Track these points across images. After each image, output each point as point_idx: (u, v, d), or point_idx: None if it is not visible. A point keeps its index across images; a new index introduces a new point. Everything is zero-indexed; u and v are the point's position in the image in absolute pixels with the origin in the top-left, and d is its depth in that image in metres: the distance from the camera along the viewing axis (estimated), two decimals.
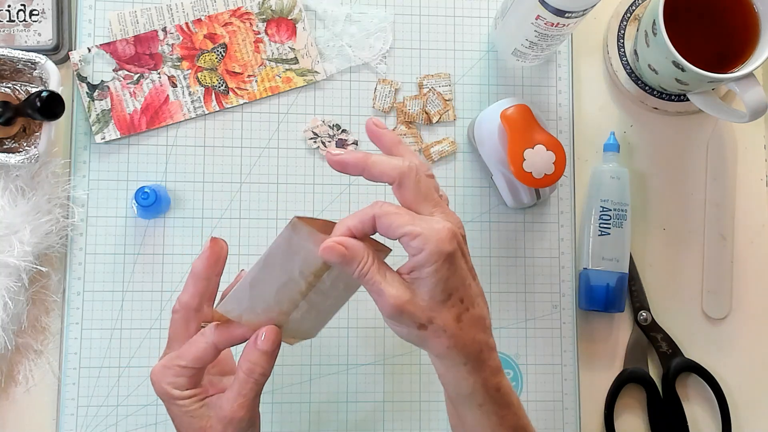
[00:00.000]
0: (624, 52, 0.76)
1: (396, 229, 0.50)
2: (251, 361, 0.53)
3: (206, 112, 0.71)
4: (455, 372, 0.52)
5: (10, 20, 0.69)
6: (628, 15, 0.76)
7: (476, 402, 0.52)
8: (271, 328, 0.53)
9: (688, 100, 0.74)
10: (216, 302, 0.57)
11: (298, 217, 0.52)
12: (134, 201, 0.67)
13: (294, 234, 0.52)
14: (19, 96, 0.66)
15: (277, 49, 0.72)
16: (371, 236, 0.53)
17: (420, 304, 0.50)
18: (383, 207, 0.50)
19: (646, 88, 0.75)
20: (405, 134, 0.73)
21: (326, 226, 0.54)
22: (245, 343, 0.53)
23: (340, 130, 0.72)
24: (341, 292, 0.57)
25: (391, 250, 0.57)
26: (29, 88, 0.66)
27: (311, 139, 0.72)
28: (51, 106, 0.62)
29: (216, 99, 0.71)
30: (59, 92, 0.63)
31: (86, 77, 0.70)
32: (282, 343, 0.54)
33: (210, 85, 0.71)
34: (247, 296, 0.53)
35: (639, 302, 0.73)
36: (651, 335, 0.73)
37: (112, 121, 0.70)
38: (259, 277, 0.53)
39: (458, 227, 0.51)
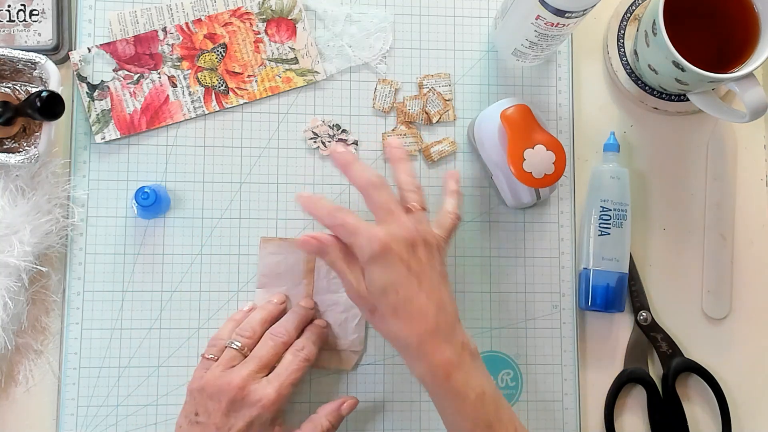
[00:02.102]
0: (624, 52, 0.76)
1: (339, 227, 0.61)
2: (331, 422, 0.65)
3: (206, 112, 0.71)
4: (403, 358, 0.60)
5: (10, 20, 0.69)
6: (628, 15, 0.76)
7: (428, 390, 0.60)
8: (353, 400, 0.66)
9: (688, 100, 0.74)
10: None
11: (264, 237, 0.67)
12: (134, 201, 0.67)
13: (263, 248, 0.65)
14: (19, 96, 0.66)
15: (277, 49, 0.72)
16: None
17: (365, 293, 0.60)
18: (341, 211, 0.62)
19: (646, 88, 0.75)
20: (405, 134, 0.73)
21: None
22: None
23: (340, 130, 0.72)
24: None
25: None
26: (29, 88, 0.66)
27: (311, 139, 0.72)
28: (51, 106, 0.62)
29: (216, 99, 0.71)
30: (59, 92, 0.63)
31: (86, 77, 0.70)
32: None
33: (210, 85, 0.71)
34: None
35: (639, 302, 0.73)
36: (651, 335, 0.73)
37: (112, 121, 0.70)
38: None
39: (407, 235, 0.60)
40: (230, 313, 0.69)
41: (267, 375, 0.64)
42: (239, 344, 0.65)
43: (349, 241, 0.61)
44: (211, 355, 0.65)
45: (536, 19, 0.65)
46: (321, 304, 0.69)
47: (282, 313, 0.69)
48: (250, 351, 0.65)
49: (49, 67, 0.65)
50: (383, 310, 0.60)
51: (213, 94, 0.71)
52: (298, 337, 0.67)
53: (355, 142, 0.72)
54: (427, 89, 0.73)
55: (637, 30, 0.73)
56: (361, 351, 0.70)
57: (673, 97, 0.75)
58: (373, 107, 0.73)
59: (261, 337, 0.66)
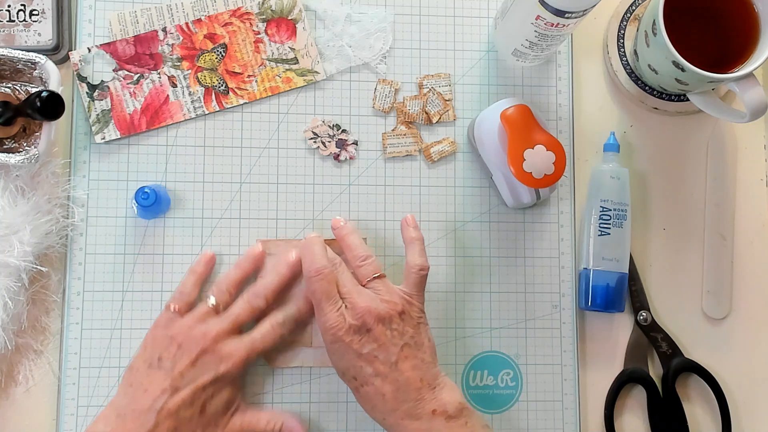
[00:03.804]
0: (624, 52, 0.76)
1: (310, 293, 0.64)
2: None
3: (206, 112, 0.71)
4: None
5: (10, 20, 0.69)
6: (628, 15, 0.76)
7: None
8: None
9: (688, 100, 0.74)
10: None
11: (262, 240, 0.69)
12: (134, 201, 0.67)
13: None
14: (19, 96, 0.66)
15: (277, 49, 0.72)
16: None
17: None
18: (318, 276, 0.64)
19: (646, 88, 0.75)
20: (405, 134, 0.73)
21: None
22: None
23: (340, 130, 0.72)
24: None
25: None
26: (29, 88, 0.66)
27: (311, 139, 0.72)
28: (51, 106, 0.62)
29: (216, 99, 0.71)
30: (59, 92, 0.63)
31: (86, 77, 0.70)
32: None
33: (210, 85, 0.71)
34: None
35: (639, 302, 0.73)
36: (651, 335, 0.73)
37: (112, 121, 0.70)
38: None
39: (357, 321, 0.61)
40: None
41: (239, 334, 0.65)
42: (215, 301, 0.66)
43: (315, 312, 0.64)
44: (176, 306, 0.65)
45: (536, 19, 0.65)
46: None
47: (256, 268, 0.69)
48: (224, 309, 0.66)
49: (49, 67, 0.65)
50: (351, 389, 0.64)
51: (213, 94, 0.71)
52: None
53: (355, 142, 0.72)
54: (427, 89, 0.73)
55: (637, 30, 0.73)
56: None
57: (673, 97, 0.75)
58: (373, 107, 0.73)
59: (235, 297, 0.67)
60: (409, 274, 0.65)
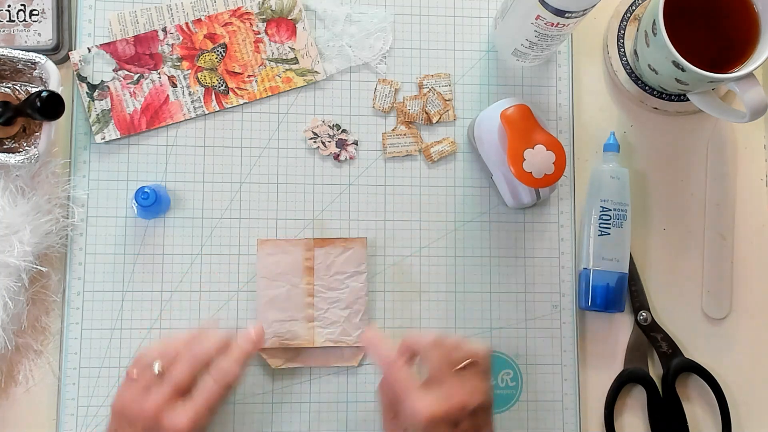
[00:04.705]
0: (624, 52, 0.76)
1: (391, 383, 0.61)
2: None
3: (206, 112, 0.71)
4: None
5: (10, 20, 0.69)
6: (628, 15, 0.76)
7: None
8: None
9: (688, 100, 0.74)
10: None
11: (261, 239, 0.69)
12: (134, 201, 0.67)
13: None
14: (19, 96, 0.66)
15: (277, 49, 0.72)
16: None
17: None
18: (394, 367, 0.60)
19: (646, 88, 0.75)
20: (405, 134, 0.73)
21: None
22: None
23: (340, 130, 0.72)
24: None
25: None
26: (29, 88, 0.66)
27: (311, 139, 0.72)
28: (51, 106, 0.62)
29: (216, 99, 0.71)
30: (59, 92, 0.63)
31: (86, 77, 0.70)
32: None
33: (210, 85, 0.71)
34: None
35: (639, 302, 0.73)
36: (651, 335, 0.73)
37: (112, 121, 0.70)
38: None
39: (449, 410, 0.57)
40: (230, 313, 0.69)
41: (182, 398, 0.59)
42: (159, 367, 0.60)
43: (396, 399, 0.60)
44: (135, 371, 0.60)
45: (536, 19, 0.65)
46: (323, 302, 0.69)
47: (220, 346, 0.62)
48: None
49: (49, 67, 0.65)
50: None
51: (213, 94, 0.71)
52: None
53: (355, 142, 0.72)
54: (427, 89, 0.73)
55: (637, 30, 0.73)
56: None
57: (673, 97, 0.75)
58: (373, 107, 0.73)
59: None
60: (480, 359, 0.61)
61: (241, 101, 0.71)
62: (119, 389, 0.61)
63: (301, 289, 0.69)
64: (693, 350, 0.74)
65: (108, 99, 0.70)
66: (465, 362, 0.60)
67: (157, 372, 0.59)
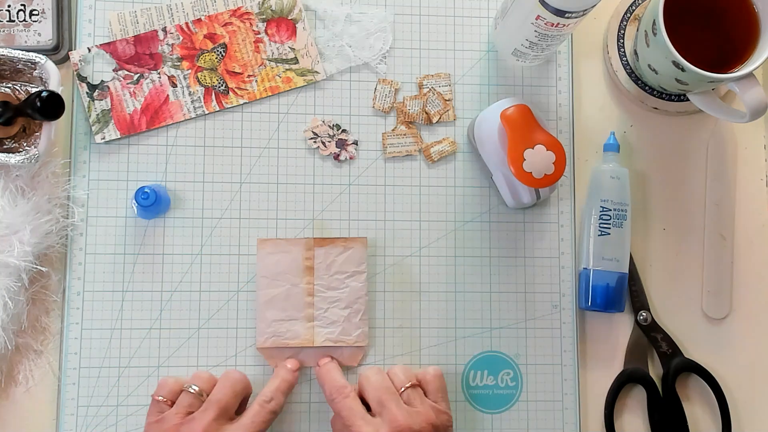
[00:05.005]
0: (624, 52, 0.76)
1: (337, 412, 0.64)
2: None
3: (206, 112, 0.71)
4: None
5: (10, 20, 0.69)
6: (628, 15, 0.76)
7: None
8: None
9: (688, 100, 0.74)
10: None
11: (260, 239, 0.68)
12: (134, 201, 0.67)
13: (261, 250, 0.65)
14: (19, 96, 0.66)
15: (277, 49, 0.72)
16: None
17: None
18: (341, 394, 0.64)
19: (646, 88, 0.75)
20: (405, 134, 0.73)
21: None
22: None
23: (340, 130, 0.72)
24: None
25: None
26: (29, 88, 0.66)
27: (311, 139, 0.72)
28: (51, 106, 0.62)
29: (216, 99, 0.71)
30: (59, 92, 0.63)
31: (86, 77, 0.70)
32: None
33: (210, 85, 0.71)
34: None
35: (639, 302, 0.73)
36: (651, 335, 0.73)
37: (112, 121, 0.70)
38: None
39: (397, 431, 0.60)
40: (230, 313, 0.69)
41: (230, 421, 0.62)
42: (197, 388, 0.63)
43: (345, 428, 0.62)
44: (161, 397, 0.63)
45: (536, 19, 0.65)
46: (323, 302, 0.69)
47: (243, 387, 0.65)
48: (208, 395, 0.63)
49: (49, 67, 0.65)
50: None
51: (213, 94, 0.71)
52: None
53: (355, 142, 0.72)
54: (427, 89, 0.73)
55: (637, 30, 0.73)
56: (365, 347, 0.69)
57: (673, 97, 0.75)
58: (373, 107, 0.73)
59: (216, 381, 0.64)
60: (427, 382, 0.66)
61: (241, 101, 0.71)
62: (149, 415, 0.63)
63: (301, 289, 0.69)
64: (693, 350, 0.74)
65: (108, 99, 0.70)
66: (405, 386, 0.64)
67: (194, 392, 0.62)
